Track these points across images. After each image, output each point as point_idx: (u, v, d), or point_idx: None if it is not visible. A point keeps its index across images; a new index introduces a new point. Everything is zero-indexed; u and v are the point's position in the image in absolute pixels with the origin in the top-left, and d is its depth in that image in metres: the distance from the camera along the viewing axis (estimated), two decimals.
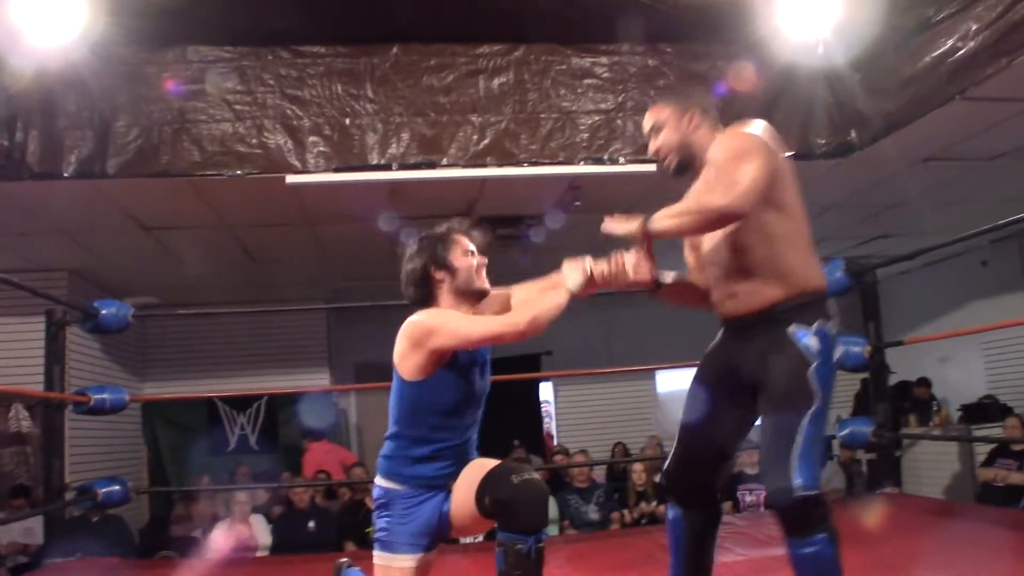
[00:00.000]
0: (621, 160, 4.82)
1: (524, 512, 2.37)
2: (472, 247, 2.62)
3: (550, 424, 10.50)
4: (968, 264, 9.05)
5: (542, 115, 4.83)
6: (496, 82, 4.83)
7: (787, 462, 2.21)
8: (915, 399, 8.91)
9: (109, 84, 4.52)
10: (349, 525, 5.83)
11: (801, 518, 2.22)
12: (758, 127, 2.42)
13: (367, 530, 5.63)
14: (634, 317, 9.45)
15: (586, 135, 4.84)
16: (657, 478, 6.70)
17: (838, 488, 6.56)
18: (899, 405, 8.29)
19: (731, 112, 5.03)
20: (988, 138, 5.37)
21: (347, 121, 4.68)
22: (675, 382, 10.77)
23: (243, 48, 4.70)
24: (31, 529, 5.83)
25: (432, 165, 4.63)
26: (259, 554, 5.79)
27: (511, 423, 9.41)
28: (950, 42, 4.20)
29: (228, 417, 9.14)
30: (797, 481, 2.19)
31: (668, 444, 8.86)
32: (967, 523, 4.49)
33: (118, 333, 4.80)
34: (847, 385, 9.07)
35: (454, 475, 2.56)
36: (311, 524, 5.77)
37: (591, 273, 2.54)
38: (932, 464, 7.91)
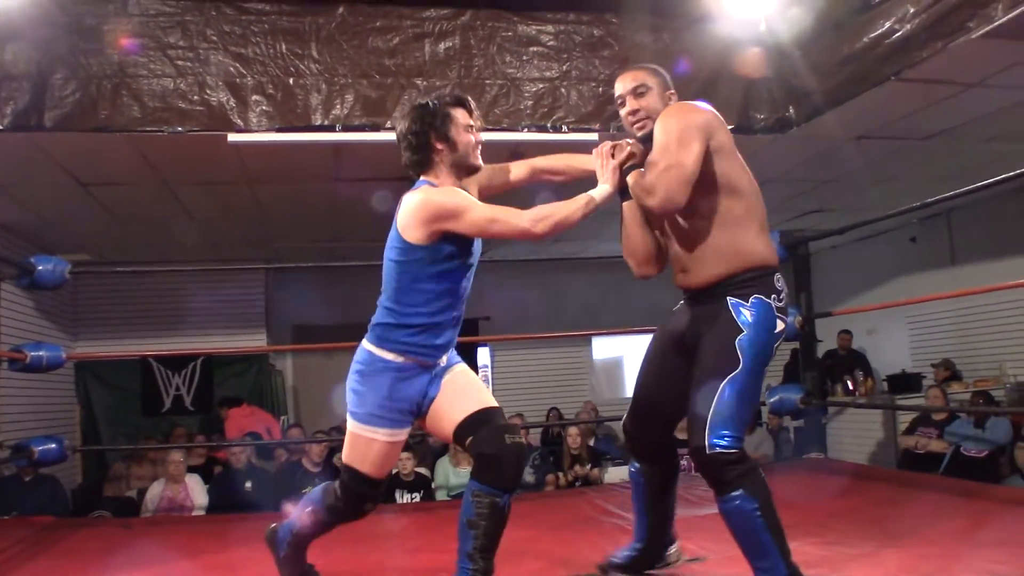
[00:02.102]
0: (564, 128, 4.85)
1: (509, 471, 2.52)
2: (471, 122, 2.68)
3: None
4: (898, 240, 9.33)
5: (487, 81, 4.84)
6: (442, 46, 4.81)
7: (704, 423, 2.38)
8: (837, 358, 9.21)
9: (47, 35, 4.39)
10: (287, 485, 5.85)
11: (719, 475, 2.39)
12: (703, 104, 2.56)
13: (304, 490, 5.67)
14: (572, 284, 9.56)
15: (530, 102, 4.86)
16: (591, 442, 6.85)
17: (767, 453, 6.76)
18: (829, 373, 8.56)
19: (673, 87, 5.12)
20: (921, 118, 5.53)
21: (291, 81, 4.63)
22: (611, 349, 10.95)
23: (186, 2, 4.61)
24: None
25: (376, 127, 4.60)
26: (195, 513, 5.79)
27: None
28: (888, 24, 4.28)
29: (163, 377, 9.06)
30: (712, 440, 2.36)
31: (603, 409, 9.00)
32: (888, 486, 4.68)
33: (54, 290, 4.72)
34: (779, 356, 9.32)
35: (443, 351, 2.69)
36: (248, 484, 5.78)
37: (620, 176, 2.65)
38: (857, 432, 8.20)
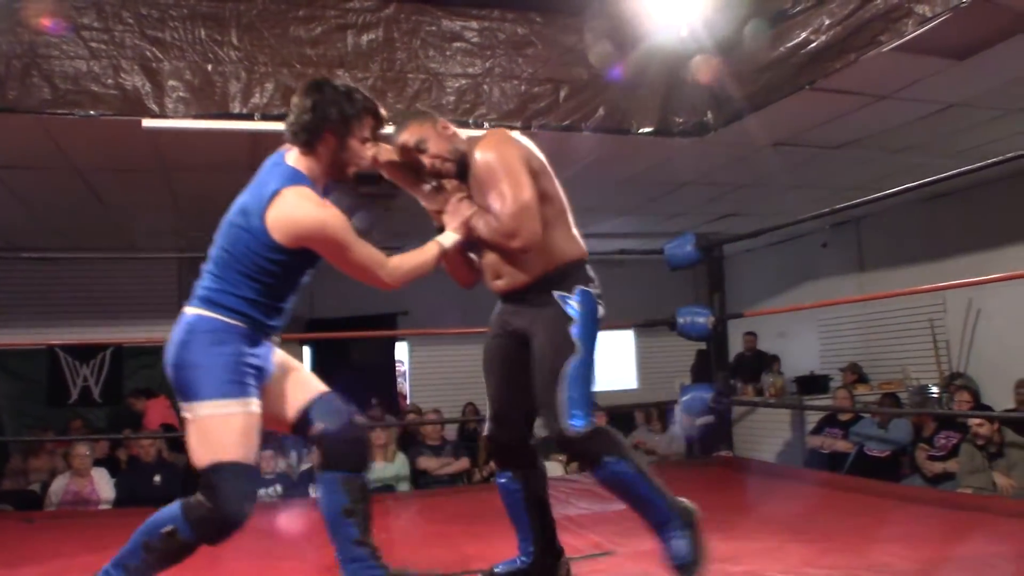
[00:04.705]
0: (486, 125, 4.86)
1: (364, 453, 2.57)
2: (370, 137, 2.53)
3: (404, 384, 10.60)
4: (809, 245, 9.57)
5: (410, 75, 4.83)
6: (365, 38, 4.78)
7: (555, 407, 2.53)
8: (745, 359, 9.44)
9: None
10: (196, 478, 5.74)
11: (584, 452, 2.56)
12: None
13: None
14: None
15: (453, 98, 4.86)
16: None
17: (679, 452, 6.88)
18: (736, 373, 8.75)
19: (595, 89, 5.19)
20: (834, 127, 5.67)
21: (209, 67, 4.54)
22: None
23: None
24: None
25: None
26: (101, 507, 5.65)
27: (368, 381, 9.44)
28: (804, 34, 4.40)
29: (70, 368, 8.80)
30: (567, 422, 2.51)
31: None
32: (794, 484, 4.82)
33: None
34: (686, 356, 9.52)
35: (274, 331, 2.53)
36: (157, 478, 5.66)
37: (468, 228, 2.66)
38: (766, 431, 8.41)
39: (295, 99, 2.47)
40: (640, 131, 5.22)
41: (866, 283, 8.89)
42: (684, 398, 5.33)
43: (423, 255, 2.58)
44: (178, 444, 6.73)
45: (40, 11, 4.32)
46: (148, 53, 4.50)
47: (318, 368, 10.56)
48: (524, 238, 2.52)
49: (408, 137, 2.68)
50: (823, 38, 4.33)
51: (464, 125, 4.83)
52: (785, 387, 8.93)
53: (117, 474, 6.14)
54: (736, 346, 8.98)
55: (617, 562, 3.12)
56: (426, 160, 2.67)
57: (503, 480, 2.86)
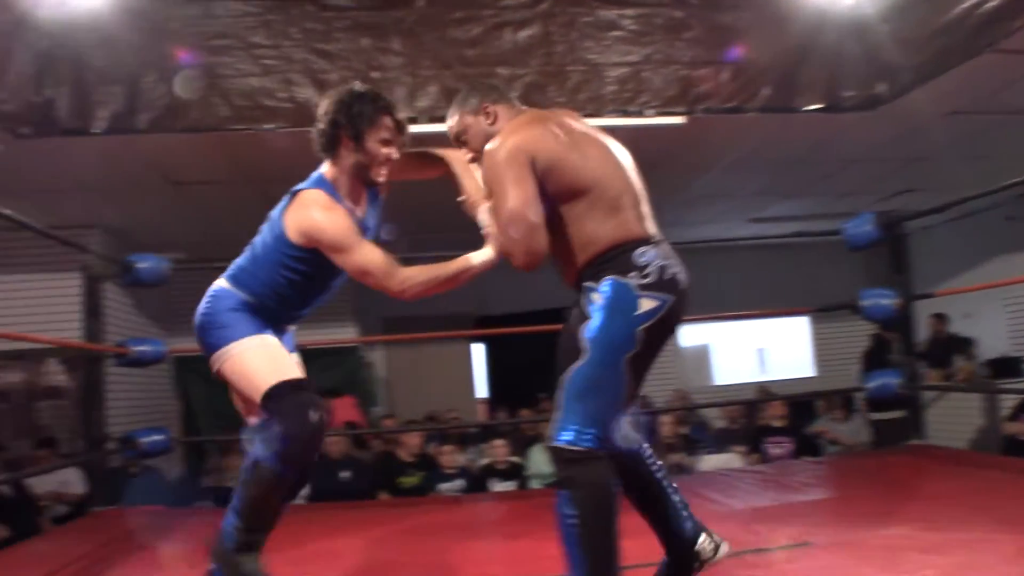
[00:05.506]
0: (649, 112, 4.81)
1: (307, 457, 2.51)
2: (390, 136, 2.56)
3: None
4: (993, 219, 8.98)
5: (569, 67, 4.81)
6: (522, 35, 4.80)
7: (557, 419, 2.23)
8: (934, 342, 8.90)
9: (136, 40, 4.51)
10: (383, 474, 5.93)
11: (556, 470, 2.23)
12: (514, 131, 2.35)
13: (399, 480, 5.74)
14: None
15: (613, 88, 4.81)
16: (683, 430, 6.78)
17: (864, 441, 6.60)
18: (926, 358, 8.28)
19: (758, 67, 5.03)
20: (1017, 91, 5.32)
21: (375, 75, 4.68)
22: (698, 336, 10.84)
23: (269, 2, 4.69)
24: (67, 480, 5.96)
25: None
26: (298, 502, 5.89)
27: (539, 376, 9.50)
28: None
29: None
30: (557, 435, 2.20)
31: (693, 397, 8.90)
32: (992, 473, 4.52)
33: (154, 287, 4.85)
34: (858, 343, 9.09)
35: (293, 321, 2.78)
36: (345, 474, 5.86)
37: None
38: (957, 419, 7.93)
39: (318, 109, 2.58)
40: (808, 108, 5.02)
41: None
42: (871, 385, 5.08)
43: (444, 269, 2.49)
44: (362, 441, 6.99)
45: (189, 40, 4.56)
46: (316, 66, 4.67)
47: (491, 364, 10.85)
48: (520, 258, 2.26)
49: (452, 127, 2.57)
50: None
51: (627, 114, 4.79)
52: (975, 371, 8.41)
53: None
54: (921, 329, 8.53)
55: (814, 553, 2.99)
56: (470, 153, 2.55)
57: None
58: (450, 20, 4.77)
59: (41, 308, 6.78)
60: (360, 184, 2.61)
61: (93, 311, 4.78)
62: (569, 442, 2.17)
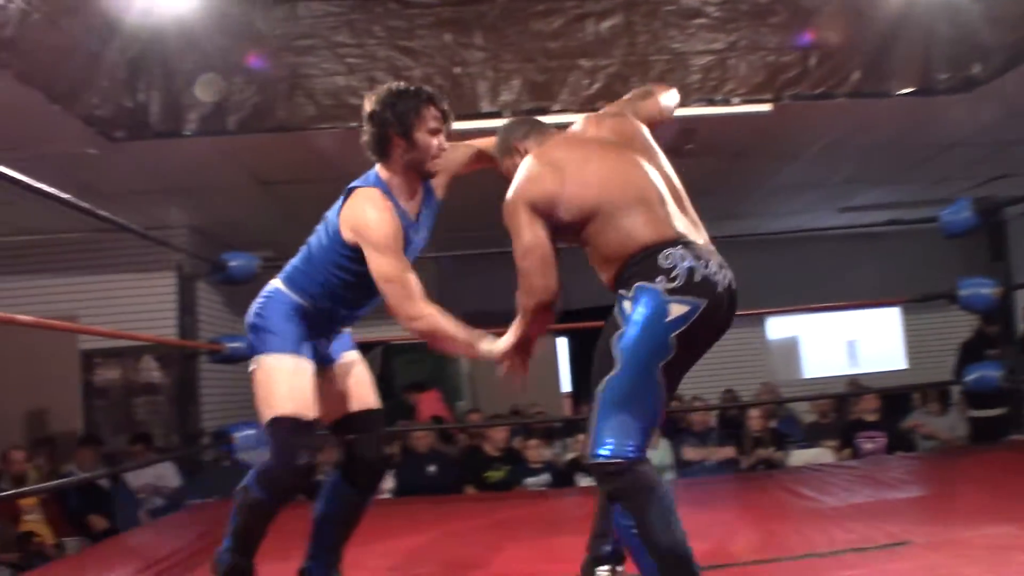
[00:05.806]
0: (735, 100, 4.73)
1: (377, 483, 2.80)
2: (438, 125, 2.52)
3: None
4: None
5: (652, 57, 4.76)
6: (604, 25, 4.76)
7: (591, 433, 2.18)
8: None
9: (223, 43, 4.61)
10: (469, 468, 5.95)
11: (603, 486, 2.20)
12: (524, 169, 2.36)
13: (485, 474, 5.75)
14: (745, 262, 9.24)
15: (698, 76, 4.75)
16: (772, 423, 6.66)
17: (961, 436, 6.39)
18: None
19: (847, 51, 4.90)
20: None
21: (458, 70, 4.70)
22: (786, 329, 10.64)
23: (352, 2, 4.74)
24: (163, 474, 6.13)
25: (544, 111, 4.60)
26: (383, 496, 5.95)
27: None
28: None
29: None
30: (594, 450, 2.15)
31: (782, 390, 8.70)
32: None
33: (245, 284, 4.96)
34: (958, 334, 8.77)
35: (347, 323, 2.80)
36: (432, 468, 5.89)
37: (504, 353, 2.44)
38: None
39: (364, 112, 2.54)
40: (900, 92, 4.87)
41: None
42: (970, 378, 4.90)
43: (458, 332, 2.40)
44: (448, 435, 7.03)
45: (266, 46, 4.63)
46: (399, 63, 4.71)
47: (575, 358, 10.82)
48: (531, 305, 2.30)
49: (505, 171, 2.57)
50: None
51: (712, 103, 4.73)
52: None
53: (393, 466, 6.45)
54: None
55: (915, 552, 2.89)
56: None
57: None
58: (532, 13, 4.77)
59: (137, 307, 6.98)
60: (416, 180, 2.60)
61: (187, 309, 4.91)
62: (609, 456, 2.13)
